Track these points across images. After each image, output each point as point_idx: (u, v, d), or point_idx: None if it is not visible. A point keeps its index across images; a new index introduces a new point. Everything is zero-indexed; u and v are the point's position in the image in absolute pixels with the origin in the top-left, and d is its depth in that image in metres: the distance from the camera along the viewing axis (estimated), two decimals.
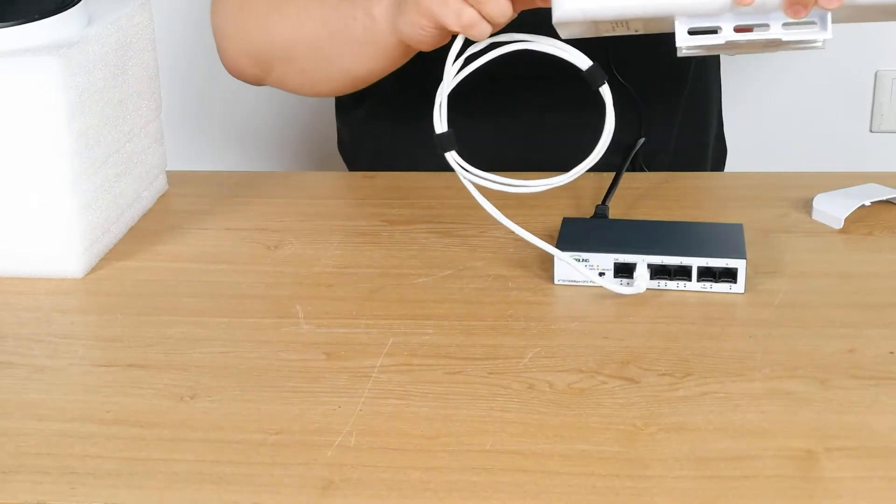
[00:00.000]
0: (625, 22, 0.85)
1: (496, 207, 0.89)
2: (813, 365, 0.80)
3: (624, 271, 0.89)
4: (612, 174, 1.04)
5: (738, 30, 0.83)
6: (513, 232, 0.90)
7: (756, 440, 0.72)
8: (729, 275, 0.88)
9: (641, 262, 0.89)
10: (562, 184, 0.89)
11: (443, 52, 0.90)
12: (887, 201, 1.01)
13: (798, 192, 1.03)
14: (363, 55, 1.00)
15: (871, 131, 1.82)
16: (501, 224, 0.89)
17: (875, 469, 0.69)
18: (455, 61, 0.87)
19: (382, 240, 0.99)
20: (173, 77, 1.71)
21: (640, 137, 1.14)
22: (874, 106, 1.80)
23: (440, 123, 0.88)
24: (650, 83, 1.15)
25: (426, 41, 0.92)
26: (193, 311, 0.89)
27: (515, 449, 0.72)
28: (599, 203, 1.00)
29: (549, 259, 0.91)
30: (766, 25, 0.82)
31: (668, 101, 1.19)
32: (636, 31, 0.87)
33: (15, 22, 0.91)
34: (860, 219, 0.99)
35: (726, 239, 0.91)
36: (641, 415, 0.75)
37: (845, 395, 0.76)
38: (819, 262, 0.93)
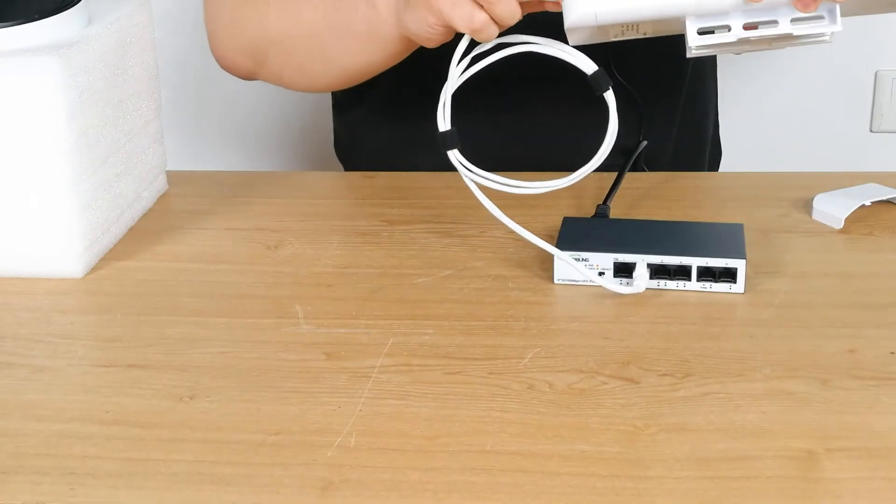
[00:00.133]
0: (635, 25, 0.85)
1: (497, 207, 0.89)
2: (814, 365, 0.80)
3: (624, 271, 0.89)
4: (613, 174, 1.04)
5: (747, 27, 0.83)
6: (513, 232, 0.90)
7: (757, 440, 0.72)
8: (728, 275, 0.88)
9: (641, 261, 0.89)
10: (563, 186, 0.89)
11: (441, 50, 0.90)
12: (887, 201, 1.01)
13: (798, 192, 1.03)
14: (362, 48, 0.99)
15: (871, 131, 1.82)
16: (501, 224, 0.89)
17: (876, 469, 0.69)
18: (460, 61, 0.87)
19: (382, 240, 0.99)
20: (173, 77, 1.72)
21: (640, 137, 1.14)
22: (874, 106, 1.80)
23: (444, 122, 0.87)
24: (650, 82, 1.15)
25: (431, 38, 0.91)
26: (193, 312, 0.89)
27: (515, 449, 0.72)
28: (601, 203, 0.99)
29: (550, 259, 0.91)
30: (775, 21, 0.82)
31: (668, 100, 1.19)
32: (644, 35, 0.87)
33: (14, 22, 0.90)
34: (860, 219, 0.99)
35: (726, 239, 0.91)
36: (642, 415, 0.75)
37: (846, 396, 0.76)
38: (819, 263, 0.93)
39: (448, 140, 0.88)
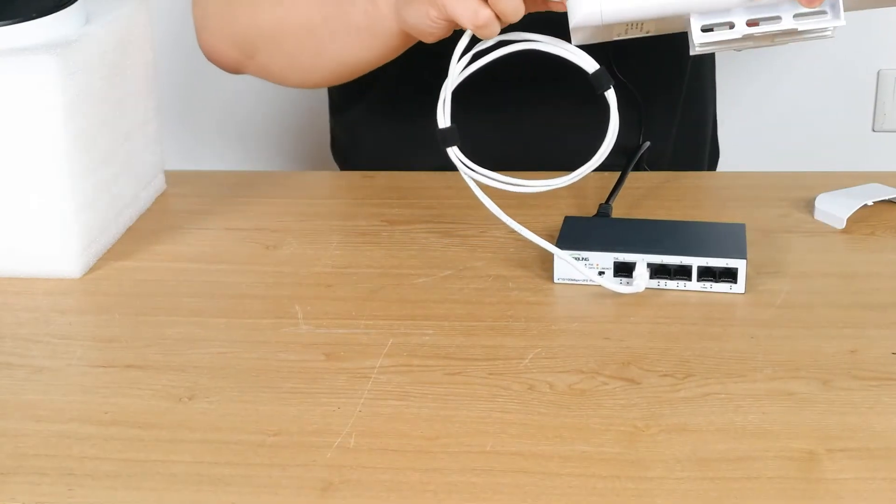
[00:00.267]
0: (639, 24, 0.85)
1: (497, 206, 0.89)
2: (815, 366, 0.79)
3: (624, 270, 0.89)
4: (614, 174, 1.04)
5: (750, 23, 0.83)
6: (513, 232, 0.90)
7: (758, 441, 0.72)
8: (729, 275, 0.88)
9: (641, 261, 0.88)
10: (562, 185, 0.89)
11: (442, 49, 0.90)
12: (889, 201, 1.01)
13: (800, 191, 1.03)
14: (358, 42, 0.98)
15: (873, 131, 1.82)
16: (502, 224, 0.89)
17: (877, 470, 0.69)
18: (461, 58, 0.86)
19: (382, 240, 0.98)
20: (172, 76, 1.71)
21: (640, 136, 1.14)
22: (877, 105, 1.80)
23: (444, 118, 0.87)
24: (650, 81, 1.15)
25: (432, 33, 0.89)
26: (192, 312, 0.89)
27: (515, 450, 0.72)
28: (603, 202, 0.99)
29: (550, 259, 0.91)
30: (778, 17, 0.83)
31: (667, 99, 1.19)
32: (648, 33, 0.87)
33: (12, 20, 0.90)
34: (862, 219, 0.99)
35: (727, 239, 0.91)
36: (642, 416, 0.75)
37: (847, 396, 0.76)
38: (821, 263, 0.93)
39: (448, 137, 0.87)
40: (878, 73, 1.78)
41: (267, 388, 0.79)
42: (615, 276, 0.89)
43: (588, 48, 0.86)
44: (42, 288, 0.93)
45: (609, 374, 0.79)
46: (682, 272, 0.89)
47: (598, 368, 0.80)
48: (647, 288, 0.89)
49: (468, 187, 0.89)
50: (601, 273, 0.89)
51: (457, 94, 0.87)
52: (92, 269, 0.95)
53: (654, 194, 1.05)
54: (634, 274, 0.88)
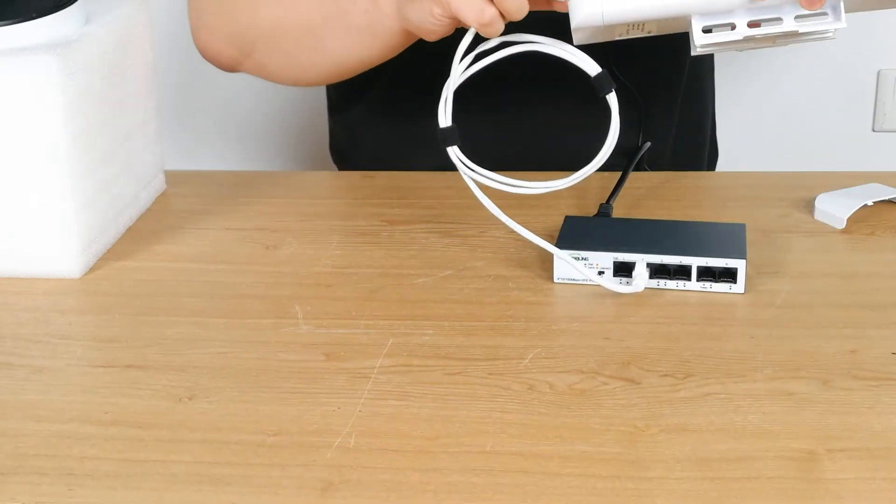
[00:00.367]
0: (640, 24, 0.85)
1: (497, 206, 0.89)
2: (815, 366, 0.79)
3: (623, 270, 0.89)
4: (615, 174, 1.04)
5: (751, 25, 0.83)
6: (513, 232, 0.89)
7: (758, 441, 0.72)
8: (728, 275, 0.88)
9: (641, 261, 0.88)
10: (562, 187, 0.89)
11: (443, 49, 0.89)
12: (889, 201, 1.01)
13: (800, 191, 1.03)
14: (358, 41, 0.97)
15: (873, 131, 1.82)
16: (502, 224, 0.89)
17: (877, 470, 0.69)
18: (463, 58, 0.86)
19: (382, 240, 0.98)
20: (171, 76, 1.71)
21: (640, 136, 1.14)
22: (877, 105, 1.80)
23: (445, 118, 0.87)
24: (649, 80, 1.14)
25: (434, 31, 0.89)
26: (192, 312, 0.89)
27: (516, 450, 0.72)
28: (604, 202, 0.99)
29: (550, 259, 0.91)
30: (780, 19, 0.83)
31: (667, 99, 1.19)
32: (649, 34, 0.87)
33: (12, 20, 0.90)
34: (862, 219, 0.99)
35: (727, 239, 0.91)
36: (642, 416, 0.74)
37: (847, 396, 0.76)
38: (821, 263, 0.93)
39: (448, 136, 0.87)
40: (878, 73, 1.78)
41: (267, 388, 0.79)
42: (615, 275, 0.89)
43: (587, 48, 0.86)
44: (42, 288, 0.93)
45: (609, 374, 0.79)
46: (682, 272, 0.89)
47: (598, 368, 0.80)
48: (646, 288, 0.89)
49: (468, 187, 0.89)
50: (601, 273, 0.89)
51: (457, 93, 0.87)
52: (92, 269, 0.95)
53: (654, 194, 1.05)
54: (634, 274, 0.88)
